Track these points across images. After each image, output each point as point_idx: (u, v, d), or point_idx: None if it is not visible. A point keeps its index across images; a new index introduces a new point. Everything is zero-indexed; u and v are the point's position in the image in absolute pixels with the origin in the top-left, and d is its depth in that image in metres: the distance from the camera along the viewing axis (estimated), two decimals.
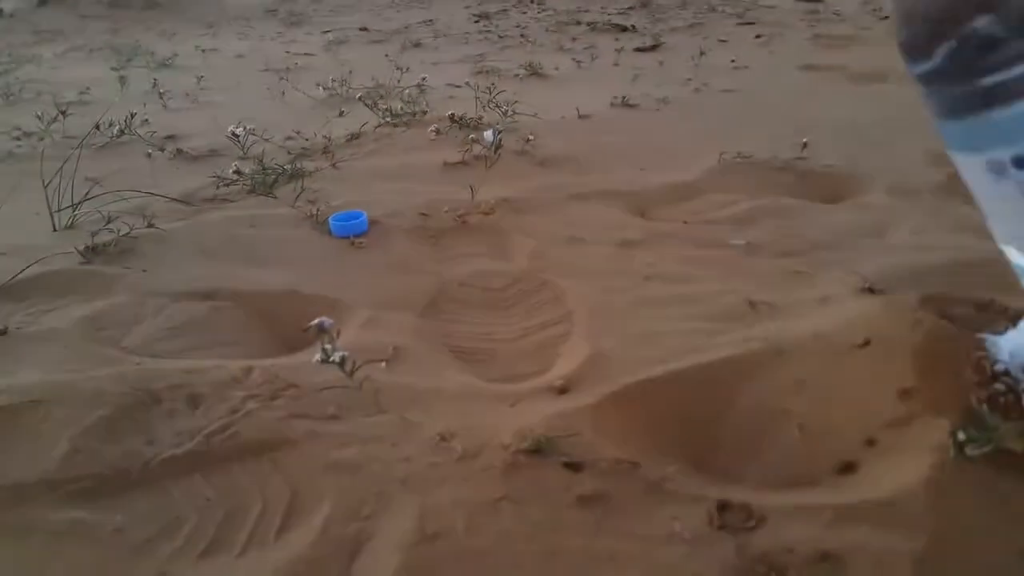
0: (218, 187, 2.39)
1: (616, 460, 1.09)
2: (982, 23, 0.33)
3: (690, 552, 0.89)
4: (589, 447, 1.11)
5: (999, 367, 1.14)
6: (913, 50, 0.34)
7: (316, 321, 1.14)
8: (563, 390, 1.32)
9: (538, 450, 1.09)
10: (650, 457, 1.14)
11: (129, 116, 3.22)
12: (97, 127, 3.13)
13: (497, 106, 3.38)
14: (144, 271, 1.75)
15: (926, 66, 0.34)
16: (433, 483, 1.04)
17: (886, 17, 7.33)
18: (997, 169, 0.34)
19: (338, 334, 1.23)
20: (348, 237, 1.98)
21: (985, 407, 1.05)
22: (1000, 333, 1.20)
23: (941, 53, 0.34)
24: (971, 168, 0.34)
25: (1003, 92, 0.34)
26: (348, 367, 1.17)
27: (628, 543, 0.92)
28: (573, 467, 1.07)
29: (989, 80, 0.34)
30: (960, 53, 0.34)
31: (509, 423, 1.17)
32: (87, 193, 2.14)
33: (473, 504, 0.99)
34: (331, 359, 1.13)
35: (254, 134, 2.89)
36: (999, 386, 1.11)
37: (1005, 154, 0.34)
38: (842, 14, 7.79)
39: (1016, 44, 0.32)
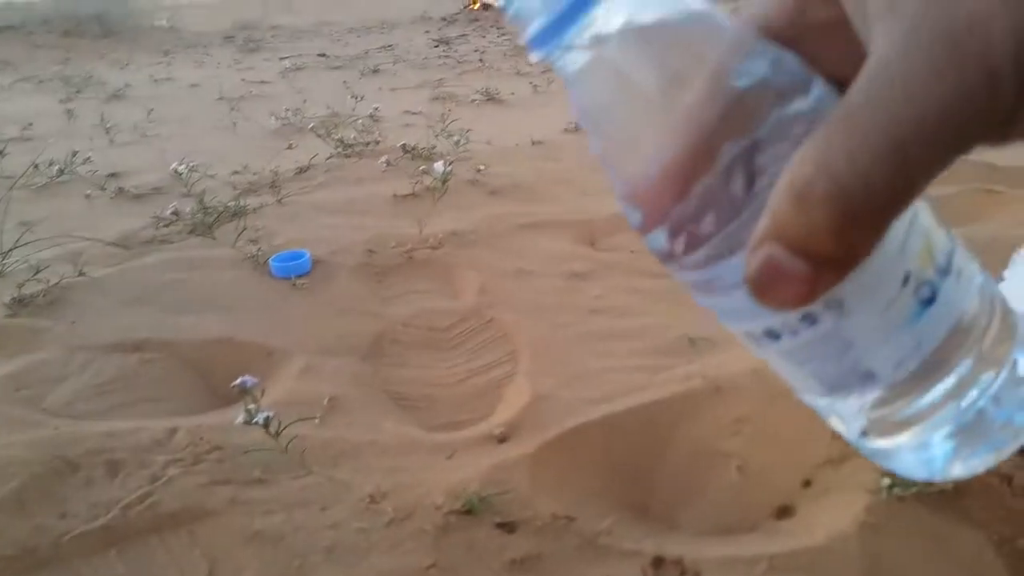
0: (157, 228, 2.33)
1: (552, 516, 1.06)
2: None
3: None
4: (525, 503, 1.08)
5: None
6: (639, 228, 0.31)
7: (239, 381, 1.10)
8: (502, 439, 1.29)
9: (471, 511, 1.06)
10: (587, 507, 1.11)
11: (71, 154, 3.15)
12: (36, 166, 3.05)
13: (450, 135, 3.36)
14: (73, 322, 1.70)
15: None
16: (360, 552, 1.00)
17: None
18: (754, 340, 0.31)
19: (262, 393, 1.19)
20: (290, 278, 1.94)
21: None
22: None
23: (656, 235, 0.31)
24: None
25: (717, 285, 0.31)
26: (274, 428, 1.12)
27: None
28: (507, 527, 1.04)
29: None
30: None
31: (444, 479, 1.14)
32: (18, 240, 2.07)
33: (400, 573, 0.95)
34: (255, 421, 1.09)
35: (197, 171, 2.84)
36: None
37: (756, 328, 0.31)
38: None
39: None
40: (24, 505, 1.09)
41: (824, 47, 0.28)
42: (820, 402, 0.33)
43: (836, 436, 1.17)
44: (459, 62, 7.26)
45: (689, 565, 0.96)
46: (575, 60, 0.29)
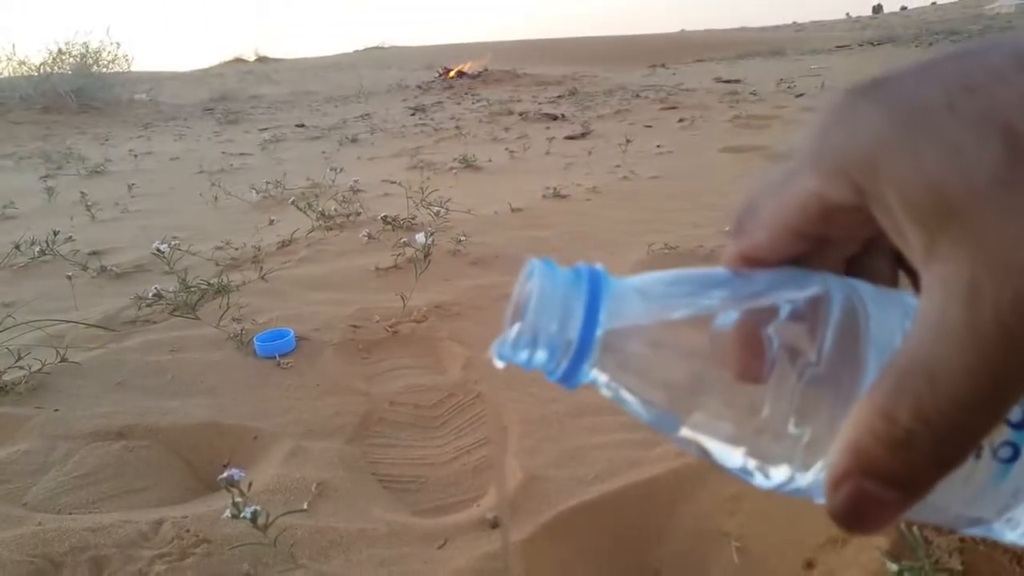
0: (139, 308, 2.31)
1: None
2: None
3: None
4: None
5: None
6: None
7: (226, 474, 1.08)
8: (495, 524, 1.27)
9: None
10: None
11: (51, 234, 3.13)
12: (17, 247, 3.04)
13: (429, 205, 3.39)
14: (55, 410, 1.66)
15: None
16: None
17: (801, 95, 7.66)
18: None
19: (249, 486, 1.16)
20: (274, 357, 1.93)
21: (915, 529, 1.03)
22: None
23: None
24: None
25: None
26: (262, 521, 1.10)
27: None
28: None
29: None
30: None
31: (437, 571, 1.12)
32: None
33: None
34: (242, 516, 1.07)
35: (180, 249, 2.83)
36: None
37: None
38: (759, 94, 8.13)
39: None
40: None
41: (844, 237, 0.31)
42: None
43: None
44: (436, 129, 7.37)
45: None
46: (603, 371, 0.33)
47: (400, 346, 2.10)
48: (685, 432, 0.33)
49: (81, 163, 6.12)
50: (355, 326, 2.16)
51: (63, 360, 1.84)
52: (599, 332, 0.32)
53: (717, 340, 0.32)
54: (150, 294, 2.24)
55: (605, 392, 0.34)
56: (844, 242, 0.33)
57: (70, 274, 2.64)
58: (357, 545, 1.19)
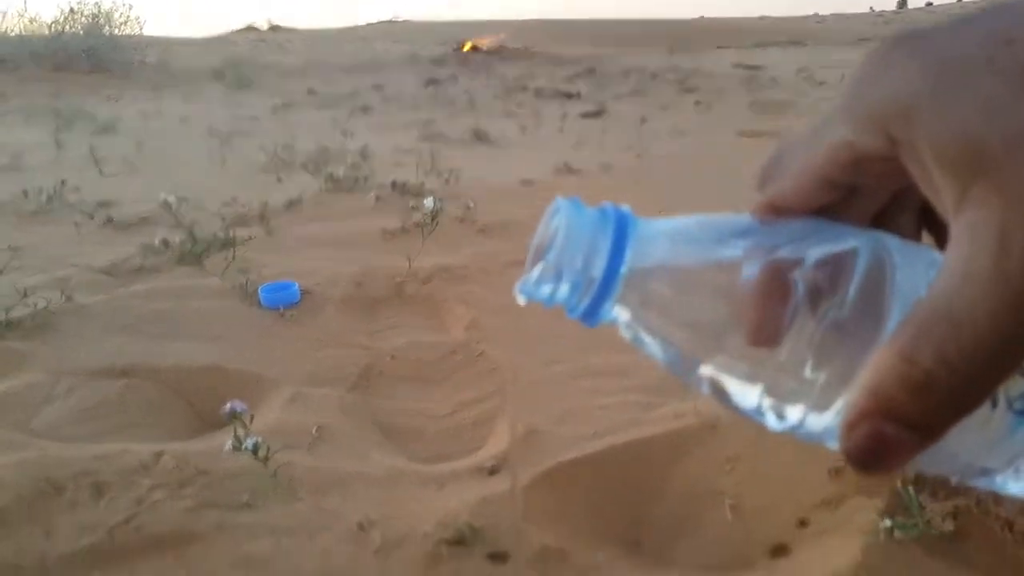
0: (145, 257, 2.32)
1: (543, 548, 1.05)
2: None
3: None
4: (516, 534, 1.07)
5: None
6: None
7: (228, 406, 1.08)
8: (493, 471, 1.28)
9: (461, 541, 1.04)
10: (580, 541, 1.10)
11: (60, 183, 3.13)
12: (25, 194, 3.04)
13: (439, 173, 3.39)
14: (59, 348, 1.67)
15: None
16: None
17: (822, 83, 7.63)
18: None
19: (251, 420, 1.17)
20: (278, 308, 1.93)
21: (911, 489, 1.04)
22: None
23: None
24: None
25: None
26: (262, 453, 1.11)
27: None
28: (498, 558, 1.02)
29: None
30: None
31: (434, 509, 1.13)
32: (6, 265, 2.05)
33: None
34: (243, 446, 1.08)
35: (187, 202, 2.84)
36: None
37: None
38: (778, 80, 8.10)
39: None
40: (8, 525, 1.06)
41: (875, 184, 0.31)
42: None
43: (833, 477, 1.17)
44: (449, 103, 7.35)
45: None
46: (625, 310, 0.33)
47: (404, 305, 2.11)
48: (703, 371, 0.34)
49: (91, 121, 6.11)
50: (359, 284, 2.17)
51: (68, 299, 1.85)
52: (624, 269, 0.32)
53: (741, 284, 0.32)
54: (156, 241, 2.25)
55: (625, 332, 0.34)
56: (872, 194, 0.33)
57: (77, 221, 2.64)
58: (355, 485, 1.20)
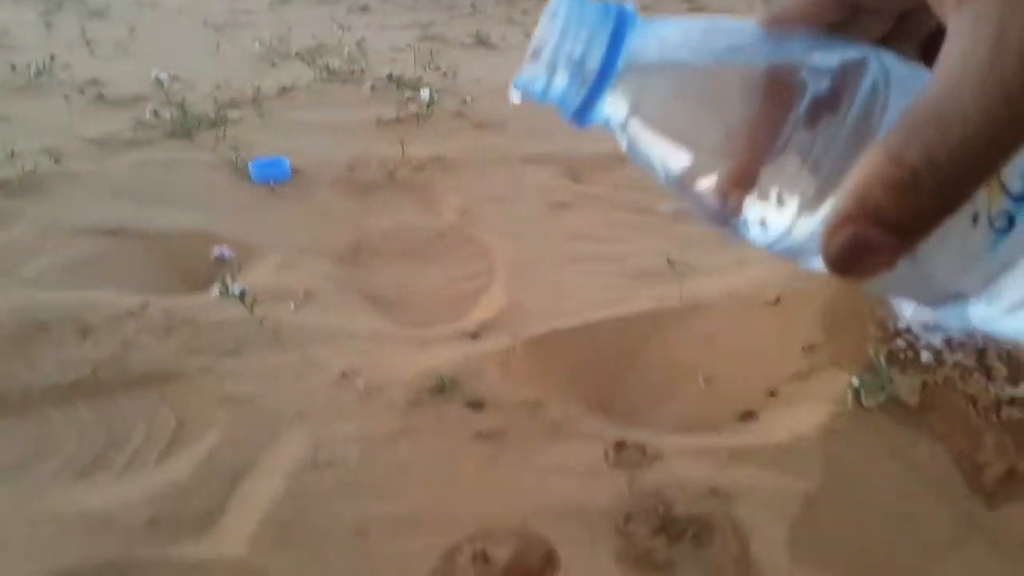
0: (136, 131, 2.29)
1: (520, 400, 1.08)
2: None
3: (582, 485, 0.89)
4: (494, 388, 1.10)
5: (901, 324, 1.16)
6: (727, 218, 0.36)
7: (217, 252, 1.09)
8: (476, 335, 1.30)
9: (442, 389, 1.07)
10: (555, 398, 1.13)
11: (49, 58, 3.07)
12: (13, 67, 2.98)
13: (438, 67, 3.33)
14: (48, 208, 1.67)
15: None
16: (331, 417, 1.01)
17: None
18: None
19: (239, 268, 1.18)
20: (268, 183, 1.92)
21: (883, 359, 1.06)
22: None
23: None
24: None
25: None
26: (249, 301, 1.12)
27: (522, 475, 0.90)
28: (476, 406, 1.05)
29: None
30: None
31: (417, 363, 1.15)
32: None
33: (370, 437, 0.97)
34: (231, 292, 1.09)
35: (179, 80, 2.79)
36: (900, 342, 1.13)
37: None
38: None
39: None
40: None
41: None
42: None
43: (807, 352, 1.20)
44: (450, 7, 7.15)
45: (651, 451, 0.98)
46: (622, 107, 0.32)
47: (396, 190, 2.10)
48: (693, 180, 0.34)
49: (81, 4, 5.94)
50: (352, 167, 2.15)
51: (57, 162, 1.84)
52: (621, 63, 0.32)
53: (742, 85, 0.32)
54: (147, 113, 2.22)
55: (619, 137, 0.34)
56: (876, 16, 0.33)
57: (67, 94, 2.60)
58: (340, 339, 1.22)
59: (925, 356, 1.09)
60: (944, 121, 0.24)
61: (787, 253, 0.33)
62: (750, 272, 1.49)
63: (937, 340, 1.11)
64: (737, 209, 0.33)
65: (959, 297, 0.32)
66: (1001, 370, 1.07)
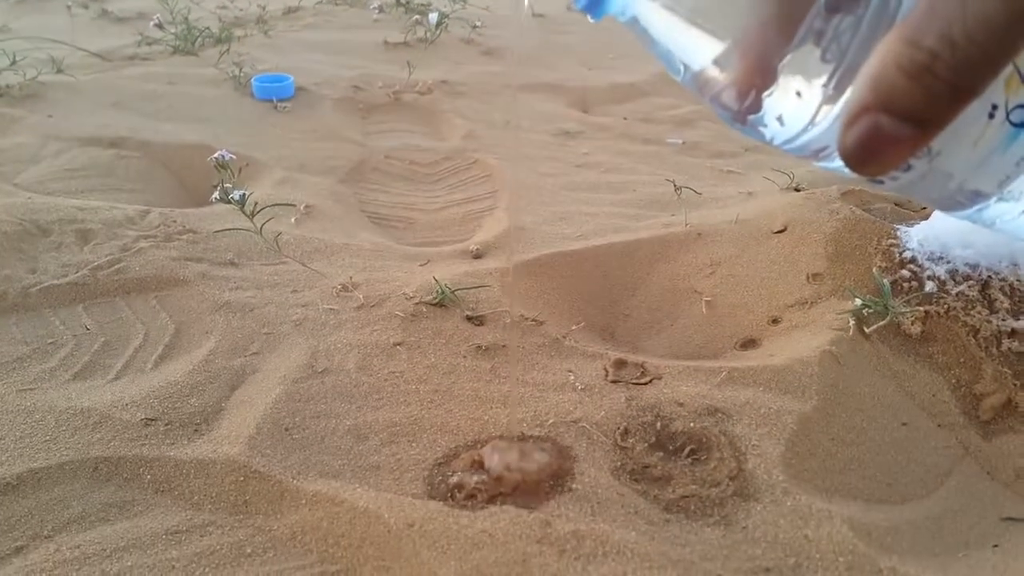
0: (139, 46, 2.25)
1: (521, 316, 1.07)
2: None
3: (581, 399, 0.88)
4: (495, 305, 1.09)
5: (907, 255, 1.14)
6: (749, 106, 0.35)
7: (216, 154, 1.07)
8: (478, 255, 1.29)
9: (442, 303, 1.06)
10: (556, 317, 1.12)
11: None
12: None
13: None
14: (49, 116, 1.65)
15: None
16: (329, 327, 1.00)
17: None
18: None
19: (240, 171, 1.17)
20: (271, 100, 1.89)
21: (887, 287, 1.05)
22: (912, 224, 1.21)
23: None
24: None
25: None
26: (249, 210, 1.11)
27: (520, 389, 0.90)
28: (476, 320, 1.05)
29: None
30: None
31: (417, 278, 1.14)
32: None
33: (368, 347, 0.96)
34: (229, 198, 1.07)
35: None
36: (905, 272, 1.12)
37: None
38: None
39: None
40: None
41: None
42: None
43: (811, 280, 1.19)
44: None
45: (651, 369, 0.98)
46: (635, 3, 0.33)
47: (401, 111, 2.07)
48: (711, 73, 0.32)
49: None
50: (357, 87, 2.12)
51: (59, 72, 1.81)
52: None
53: None
54: (152, 24, 2.17)
55: (634, 28, 0.32)
56: None
57: (70, 5, 2.54)
58: (341, 254, 1.22)
59: (929, 287, 1.08)
60: (961, 1, 0.23)
61: (805, 151, 0.32)
62: (757, 203, 1.47)
63: (942, 271, 1.10)
64: (755, 105, 0.32)
65: (977, 197, 0.31)
66: (1004, 302, 1.06)
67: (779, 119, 0.32)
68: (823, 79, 0.30)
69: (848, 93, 0.29)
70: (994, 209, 0.31)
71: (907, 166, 0.29)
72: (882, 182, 0.30)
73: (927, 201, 0.33)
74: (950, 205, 0.32)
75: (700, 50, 0.33)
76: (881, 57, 0.25)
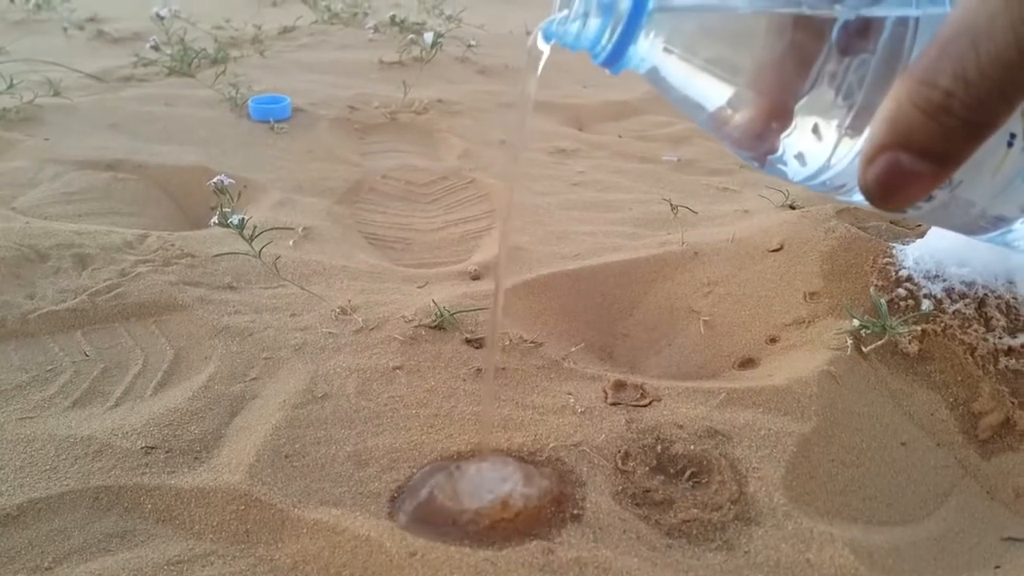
0: (135, 67, 2.26)
1: (520, 339, 1.07)
2: None
3: (581, 422, 0.88)
4: (494, 326, 1.09)
5: (903, 273, 1.15)
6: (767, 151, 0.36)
7: (216, 179, 1.08)
8: (476, 276, 1.29)
9: (441, 326, 1.07)
10: (555, 340, 1.12)
11: None
12: (12, 0, 2.93)
13: (441, 12, 3.27)
14: (46, 139, 1.65)
15: None
16: (328, 351, 1.00)
17: None
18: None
19: (239, 195, 1.17)
20: (268, 121, 1.90)
21: (884, 306, 1.06)
22: (908, 243, 1.21)
23: None
24: None
25: None
26: (247, 234, 1.11)
27: (520, 412, 0.90)
28: (475, 343, 1.05)
29: None
30: None
31: (416, 300, 1.14)
32: None
33: (368, 371, 0.96)
34: (229, 222, 1.08)
35: (180, 18, 2.74)
36: (901, 291, 1.12)
37: None
38: None
39: None
40: None
41: None
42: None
43: (808, 299, 1.19)
44: None
45: (650, 390, 0.98)
46: (655, 49, 0.32)
47: (397, 131, 2.08)
48: (729, 116, 0.33)
49: None
50: (353, 107, 2.13)
51: (56, 95, 1.81)
52: (652, 5, 0.31)
53: (772, 23, 0.31)
54: (148, 46, 2.18)
55: (652, 79, 0.33)
56: None
57: (66, 27, 2.55)
58: (339, 276, 1.22)
59: (926, 305, 1.08)
60: (974, 39, 0.23)
61: (826, 187, 0.33)
62: (753, 221, 1.47)
63: (938, 289, 1.11)
64: (774, 146, 0.33)
65: (1000, 222, 0.31)
66: (1000, 320, 1.07)
67: (798, 158, 0.32)
68: (839, 120, 0.30)
69: (865, 132, 0.29)
70: (1018, 231, 0.32)
71: (929, 196, 0.30)
72: (905, 212, 0.31)
73: (951, 227, 0.33)
74: (974, 230, 0.33)
75: (716, 95, 0.34)
76: (897, 97, 0.26)
